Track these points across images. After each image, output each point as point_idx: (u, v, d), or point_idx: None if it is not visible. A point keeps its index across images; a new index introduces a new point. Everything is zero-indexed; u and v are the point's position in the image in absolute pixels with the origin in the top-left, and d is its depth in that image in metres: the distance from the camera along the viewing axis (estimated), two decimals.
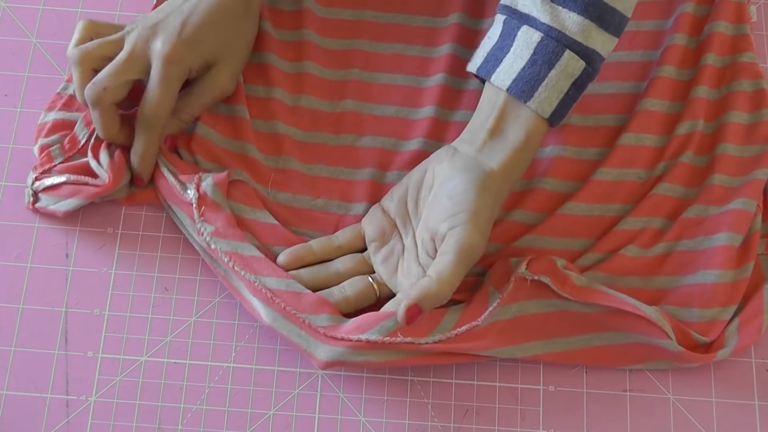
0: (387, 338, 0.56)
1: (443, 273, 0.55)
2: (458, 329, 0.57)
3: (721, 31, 0.67)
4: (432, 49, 0.69)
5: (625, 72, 0.68)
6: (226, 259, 0.59)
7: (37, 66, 0.69)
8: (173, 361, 0.61)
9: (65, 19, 0.70)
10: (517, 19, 0.58)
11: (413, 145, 0.65)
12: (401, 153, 0.66)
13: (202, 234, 0.60)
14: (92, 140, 0.63)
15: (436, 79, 0.67)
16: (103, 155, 0.62)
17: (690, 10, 0.69)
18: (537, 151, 0.60)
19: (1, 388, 0.60)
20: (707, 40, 0.67)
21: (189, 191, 0.61)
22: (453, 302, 0.59)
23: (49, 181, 0.63)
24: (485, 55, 0.59)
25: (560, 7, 0.56)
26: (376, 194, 0.64)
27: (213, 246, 0.60)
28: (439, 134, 0.66)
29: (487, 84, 0.59)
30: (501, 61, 0.58)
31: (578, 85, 0.58)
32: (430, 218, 0.58)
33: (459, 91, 0.68)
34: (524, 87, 0.57)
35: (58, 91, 0.67)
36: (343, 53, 0.69)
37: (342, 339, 0.57)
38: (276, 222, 0.63)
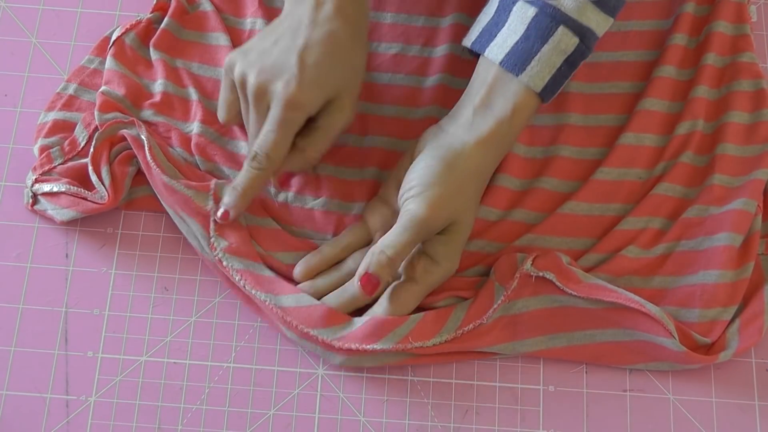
0: (399, 345, 0.57)
1: (386, 240, 0.56)
2: (464, 328, 0.58)
3: (721, 31, 0.67)
4: (432, 49, 0.69)
5: (625, 72, 0.68)
6: (237, 278, 0.60)
7: (37, 66, 0.69)
8: (173, 361, 0.61)
9: (65, 19, 0.70)
10: None
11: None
12: (402, 153, 0.66)
13: (215, 249, 0.60)
14: (92, 148, 0.63)
15: (435, 79, 0.67)
16: (105, 172, 0.62)
17: (690, 10, 0.69)
18: (523, 126, 0.59)
19: (1, 388, 0.60)
20: (707, 39, 0.67)
21: (209, 202, 0.61)
22: (459, 299, 0.60)
23: (47, 188, 0.63)
24: (480, 30, 0.59)
25: None
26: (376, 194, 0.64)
27: (225, 263, 0.60)
28: None
29: (480, 59, 0.59)
30: (495, 35, 0.58)
31: (570, 62, 0.57)
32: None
33: (459, 91, 0.67)
34: (516, 61, 0.57)
35: (57, 91, 0.67)
36: None
37: (357, 350, 0.58)
38: (279, 227, 0.63)
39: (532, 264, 0.59)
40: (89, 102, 0.66)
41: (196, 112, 0.66)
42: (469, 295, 0.60)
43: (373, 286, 0.56)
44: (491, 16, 0.59)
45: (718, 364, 0.61)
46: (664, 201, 0.63)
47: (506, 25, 0.58)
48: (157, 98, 0.66)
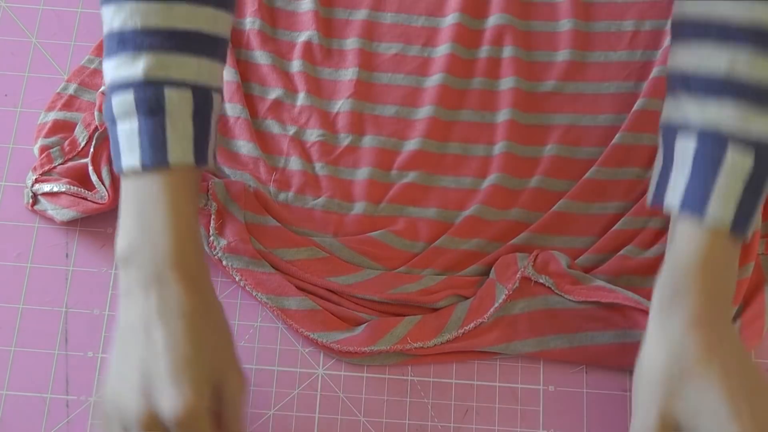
0: (398, 346, 0.58)
1: None
2: (465, 327, 0.59)
3: None
4: (432, 49, 0.69)
5: (625, 72, 0.68)
6: (237, 278, 0.60)
7: (37, 66, 0.69)
8: None
9: (65, 19, 0.70)
10: (671, 129, 0.52)
11: (413, 145, 0.65)
12: (401, 153, 0.66)
13: (215, 248, 0.60)
14: (92, 148, 0.63)
15: (436, 79, 0.67)
16: (105, 172, 0.62)
17: None
18: (733, 279, 0.51)
19: (1, 388, 0.60)
20: None
21: (209, 202, 0.61)
22: (460, 297, 0.60)
23: (47, 188, 0.63)
24: (655, 183, 0.54)
25: (710, 99, 0.50)
26: (376, 194, 0.64)
27: (225, 263, 0.60)
28: (439, 134, 0.66)
29: (672, 219, 0.53)
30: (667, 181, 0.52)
31: (755, 187, 0.49)
32: None
33: (459, 91, 0.68)
34: (693, 201, 0.50)
35: (57, 91, 0.67)
36: (343, 52, 0.69)
37: (356, 353, 0.58)
38: (278, 224, 0.63)
39: (532, 266, 0.60)
40: (89, 102, 0.66)
41: None
42: (469, 294, 0.61)
43: None
44: (661, 162, 0.53)
45: None
46: None
47: (674, 165, 0.51)
48: None
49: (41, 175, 0.63)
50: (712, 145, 0.49)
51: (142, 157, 0.50)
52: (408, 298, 0.60)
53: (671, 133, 0.52)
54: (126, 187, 0.51)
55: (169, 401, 0.45)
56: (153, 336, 0.47)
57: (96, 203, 0.62)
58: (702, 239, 0.50)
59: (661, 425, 0.48)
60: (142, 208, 0.50)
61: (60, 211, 0.62)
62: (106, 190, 0.62)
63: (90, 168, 0.62)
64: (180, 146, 0.51)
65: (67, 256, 0.63)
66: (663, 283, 0.51)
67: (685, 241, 0.50)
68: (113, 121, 0.51)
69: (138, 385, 0.47)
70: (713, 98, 0.50)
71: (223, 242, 0.60)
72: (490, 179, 0.64)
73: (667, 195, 0.52)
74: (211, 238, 0.60)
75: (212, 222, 0.61)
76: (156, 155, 0.50)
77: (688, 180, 0.50)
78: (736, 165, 0.49)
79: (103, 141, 0.63)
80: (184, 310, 0.48)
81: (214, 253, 0.60)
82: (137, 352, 0.48)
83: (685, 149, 0.51)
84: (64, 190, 0.62)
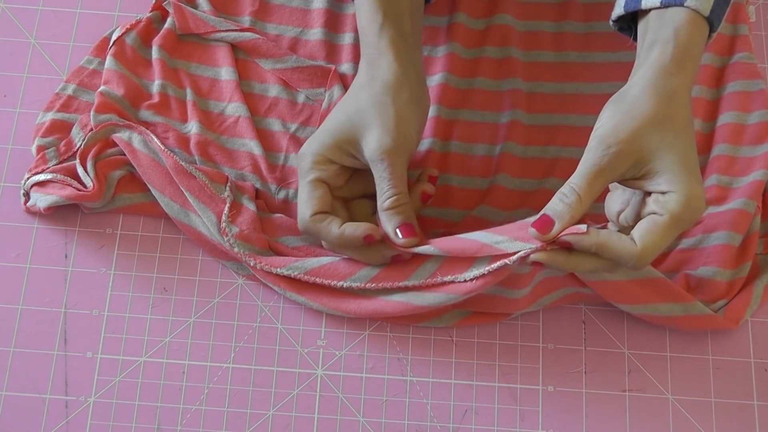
0: (429, 280, 0.57)
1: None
2: (493, 265, 0.56)
3: (719, 31, 0.67)
4: (433, 48, 0.69)
5: (625, 72, 0.68)
6: (252, 262, 0.60)
7: (36, 66, 0.69)
8: (172, 361, 0.61)
9: (64, 20, 0.70)
10: None
11: None
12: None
13: (227, 235, 0.60)
14: (83, 146, 0.63)
15: (437, 79, 0.67)
16: (90, 165, 0.62)
17: None
18: (699, 58, 0.55)
19: (0, 388, 0.60)
20: None
21: (225, 191, 0.62)
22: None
23: (35, 178, 0.63)
24: None
25: None
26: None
27: (236, 249, 0.60)
28: (442, 133, 0.66)
29: (639, 24, 0.57)
30: None
31: None
32: None
33: (460, 91, 0.68)
34: None
35: (56, 91, 0.67)
36: (342, 48, 0.69)
37: (389, 288, 0.58)
38: (282, 215, 0.63)
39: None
40: (88, 102, 0.66)
41: (192, 112, 0.66)
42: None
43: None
44: None
45: (717, 364, 0.61)
46: None
47: None
48: (156, 99, 0.66)
49: (34, 175, 0.63)
50: None
51: None
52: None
53: None
54: None
55: (375, 148, 0.55)
56: (360, 95, 0.57)
57: (80, 190, 0.62)
58: (685, 19, 0.54)
59: (625, 151, 0.52)
60: None
61: (44, 198, 0.62)
62: (91, 181, 0.62)
63: (77, 162, 0.63)
64: None
65: (66, 256, 0.63)
66: (657, 59, 0.54)
67: (674, 26, 0.54)
68: None
69: (346, 124, 0.56)
70: None
71: (236, 229, 0.60)
72: (495, 180, 0.64)
73: None
74: (223, 225, 0.60)
75: (226, 209, 0.61)
76: None
77: None
78: None
79: (94, 142, 0.63)
80: (389, 81, 0.57)
81: (226, 239, 0.60)
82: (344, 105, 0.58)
83: None
84: (50, 178, 0.62)
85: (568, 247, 0.53)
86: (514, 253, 0.54)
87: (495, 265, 0.55)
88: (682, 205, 0.51)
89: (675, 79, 0.53)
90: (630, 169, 0.52)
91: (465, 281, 0.56)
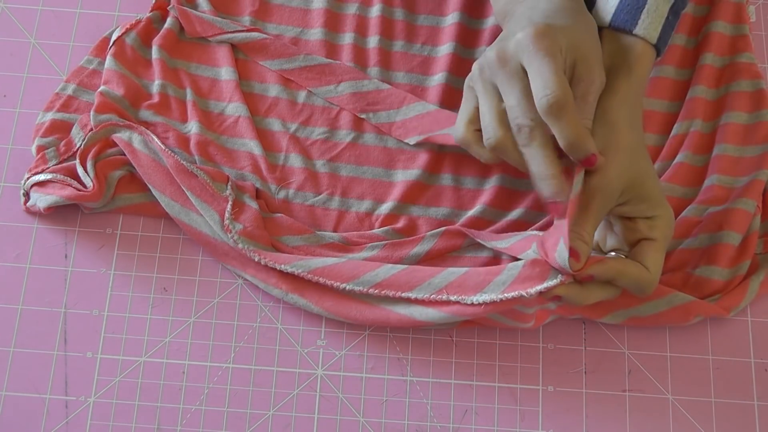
0: (434, 296, 0.57)
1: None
2: (506, 294, 0.55)
3: (719, 31, 0.67)
4: (433, 48, 0.69)
5: None
6: (257, 258, 0.60)
7: (36, 66, 0.69)
8: (172, 361, 0.61)
9: (64, 20, 0.70)
10: None
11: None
12: (405, 151, 0.66)
13: (230, 231, 0.60)
14: (83, 146, 0.63)
15: (437, 78, 0.67)
16: (90, 165, 0.62)
17: (689, 10, 0.69)
18: (644, 84, 0.57)
19: (0, 388, 0.60)
20: (706, 40, 0.68)
21: (227, 189, 0.62)
22: (514, 258, 0.60)
23: (35, 178, 0.63)
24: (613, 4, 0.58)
25: None
26: (377, 192, 0.64)
27: (240, 246, 0.60)
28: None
29: None
30: (595, 2, 0.58)
31: (675, 11, 0.57)
32: None
33: (461, 91, 0.67)
34: (626, 17, 0.56)
35: (56, 91, 0.67)
36: (343, 49, 0.69)
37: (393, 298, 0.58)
38: (282, 215, 0.63)
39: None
40: (88, 102, 0.66)
41: (192, 112, 0.66)
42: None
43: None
44: None
45: (717, 364, 0.61)
46: None
47: None
48: (155, 99, 0.66)
49: (34, 175, 0.63)
50: None
51: None
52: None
53: None
54: None
55: (525, 35, 0.52)
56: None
57: (80, 190, 0.62)
58: (631, 47, 0.56)
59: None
60: None
61: (43, 198, 0.62)
62: (91, 181, 0.62)
63: (77, 162, 0.62)
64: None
65: (66, 256, 0.63)
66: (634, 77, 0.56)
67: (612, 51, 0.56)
68: None
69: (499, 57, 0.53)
70: None
71: (239, 226, 0.60)
72: (494, 180, 0.64)
73: (594, 12, 0.57)
74: (227, 222, 0.61)
75: (228, 206, 0.61)
76: None
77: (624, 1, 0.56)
78: None
79: (94, 142, 0.63)
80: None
81: (230, 236, 0.60)
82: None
83: None
84: (50, 178, 0.62)
85: (587, 280, 0.54)
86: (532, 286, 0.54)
87: (510, 294, 0.54)
88: (670, 228, 0.55)
89: (620, 106, 0.55)
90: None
91: (472, 304, 0.56)
